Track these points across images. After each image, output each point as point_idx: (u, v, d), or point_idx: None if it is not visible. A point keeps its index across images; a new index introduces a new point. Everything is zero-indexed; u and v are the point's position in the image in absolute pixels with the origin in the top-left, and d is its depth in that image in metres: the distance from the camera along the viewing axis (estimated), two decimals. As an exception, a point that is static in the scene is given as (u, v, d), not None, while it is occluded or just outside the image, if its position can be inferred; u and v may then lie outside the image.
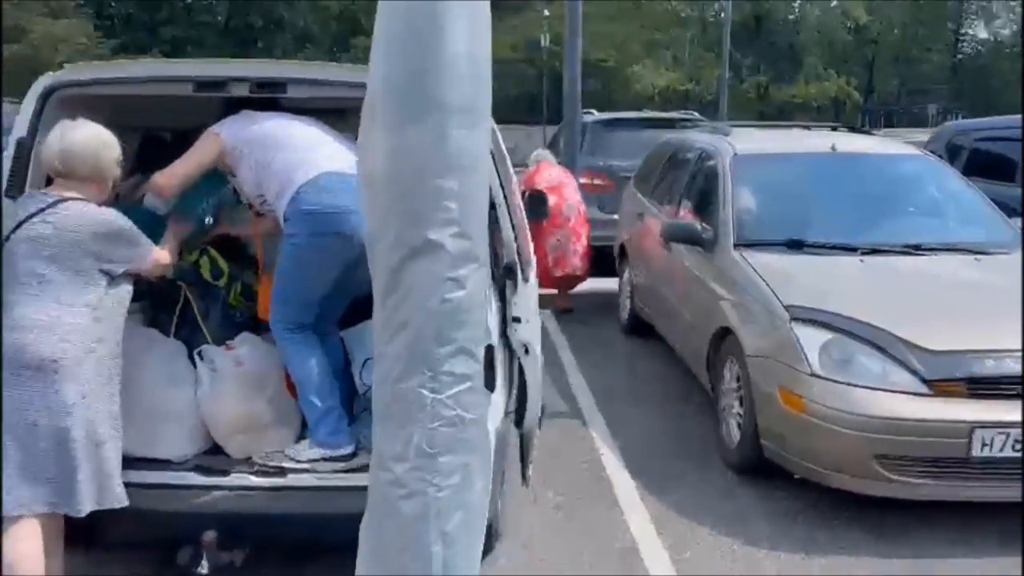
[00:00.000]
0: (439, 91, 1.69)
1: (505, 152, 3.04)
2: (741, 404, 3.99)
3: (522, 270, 3.10)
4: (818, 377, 3.48)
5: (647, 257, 6.00)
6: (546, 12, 38.07)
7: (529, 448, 3.34)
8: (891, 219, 4.59)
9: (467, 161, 1.74)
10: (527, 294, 3.09)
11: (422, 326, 1.67)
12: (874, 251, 4.22)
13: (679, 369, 5.32)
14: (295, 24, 48.01)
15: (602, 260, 7.25)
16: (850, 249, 4.24)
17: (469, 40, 1.74)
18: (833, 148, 4.97)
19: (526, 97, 38.93)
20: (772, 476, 3.85)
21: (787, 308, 3.74)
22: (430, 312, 1.67)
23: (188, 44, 46.32)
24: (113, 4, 46.30)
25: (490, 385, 1.96)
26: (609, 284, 7.31)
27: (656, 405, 5.06)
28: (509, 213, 2.94)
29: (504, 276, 3.06)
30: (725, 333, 4.20)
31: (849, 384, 3.42)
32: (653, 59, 38.59)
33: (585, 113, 10.41)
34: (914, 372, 3.38)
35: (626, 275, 6.70)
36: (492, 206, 2.90)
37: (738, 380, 4.03)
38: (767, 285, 3.96)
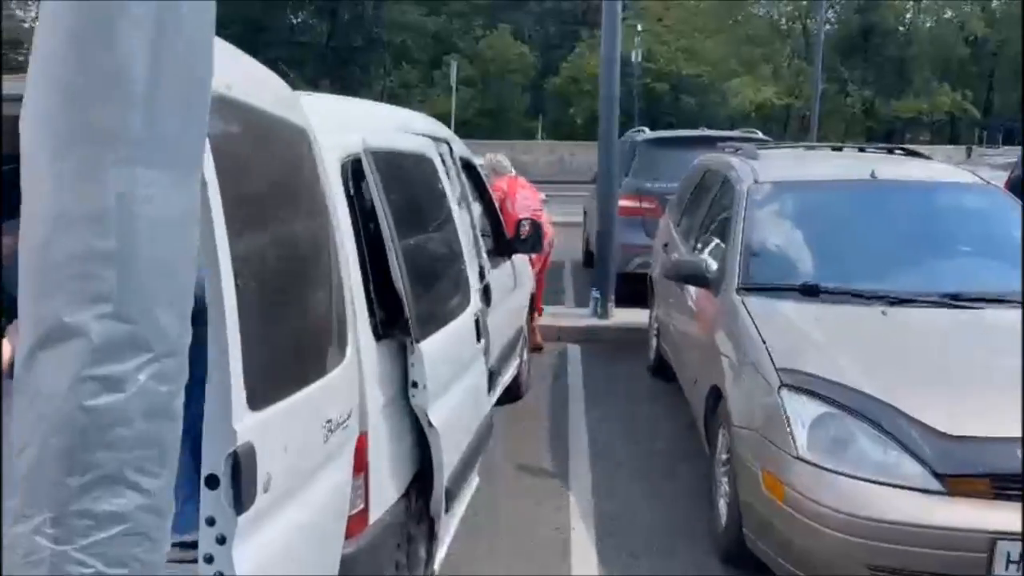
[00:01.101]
0: (91, 115, 1.23)
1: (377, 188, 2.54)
2: (730, 481, 3.36)
3: (422, 325, 2.60)
4: (804, 461, 2.82)
5: (666, 294, 5.38)
6: (639, 27, 37.37)
7: (435, 541, 2.82)
8: (931, 262, 3.84)
9: (148, 212, 1.27)
10: (431, 355, 2.59)
11: (44, 445, 1.20)
12: (902, 301, 3.50)
13: (693, 424, 4.67)
14: (392, 43, 48.87)
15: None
16: (874, 297, 3.53)
17: (151, 51, 1.26)
18: (872, 175, 4.24)
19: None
20: (762, 570, 3.19)
21: (779, 371, 3.09)
22: (56, 425, 1.20)
23: (290, 65, 47.87)
24: (221, 26, 48.15)
25: None
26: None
27: (657, 469, 4.42)
28: (397, 258, 2.44)
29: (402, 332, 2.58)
30: (719, 394, 3.57)
31: (841, 473, 2.75)
32: (751, 74, 37.20)
33: (636, 131, 9.81)
34: (924, 462, 2.68)
35: (654, 311, 6.08)
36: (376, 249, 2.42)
37: (728, 452, 3.40)
38: (762, 340, 3.31)
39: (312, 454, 1.89)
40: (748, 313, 3.55)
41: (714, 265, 4.13)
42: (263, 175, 1.89)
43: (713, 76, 38.39)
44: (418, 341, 2.47)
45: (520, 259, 5.11)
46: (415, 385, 2.53)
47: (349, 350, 2.17)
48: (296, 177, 2.01)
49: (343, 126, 2.47)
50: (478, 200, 4.78)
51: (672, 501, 4.02)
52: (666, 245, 5.75)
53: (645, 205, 8.14)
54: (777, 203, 4.23)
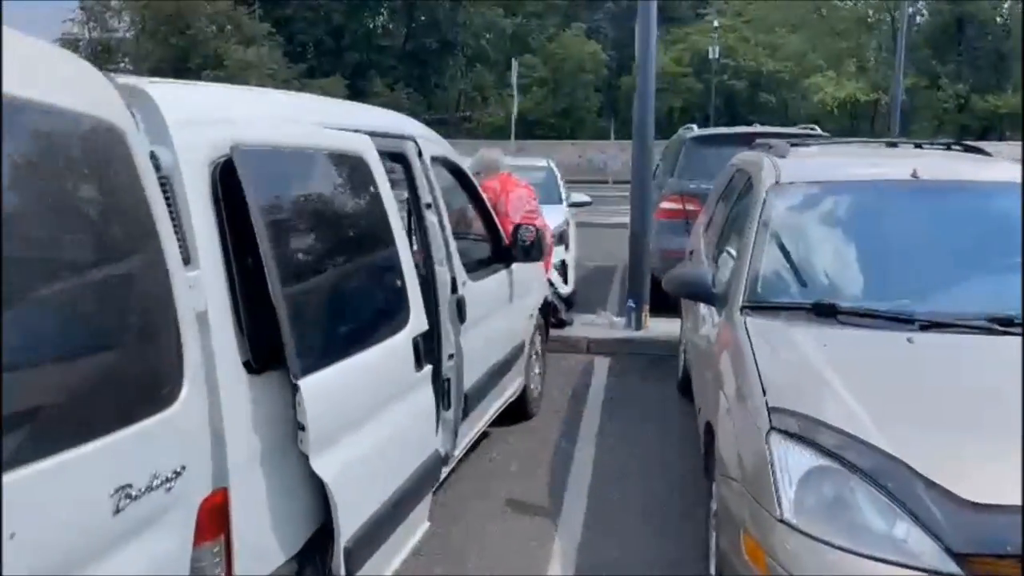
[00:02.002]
0: None
1: (253, 192, 2.14)
2: (717, 539, 2.85)
3: (317, 355, 2.19)
4: (789, 526, 2.28)
5: (688, 307, 4.85)
6: (715, 23, 36.23)
7: None
8: (976, 278, 3.22)
9: None
10: (328, 391, 2.19)
11: None
12: (937, 325, 2.91)
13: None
14: (467, 44, 48.87)
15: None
16: (903, 320, 2.95)
17: None
18: (914, 174, 3.62)
19: (691, 112, 37.09)
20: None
21: (770, 411, 2.56)
22: None
23: (369, 68, 48.38)
24: (302, 32, 49.10)
25: None
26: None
27: (660, 513, 3.90)
28: (274, 277, 2.04)
29: None
30: (712, 433, 3.06)
31: (832, 545, 2.20)
32: (835, 68, 35.57)
33: (686, 128, 9.20)
34: (938, 537, 2.12)
35: (684, 324, 5.54)
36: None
37: (717, 503, 2.89)
38: (758, 371, 2.78)
39: (86, 533, 1.50)
40: (748, 337, 3.02)
41: (725, 277, 3.60)
42: (43, 181, 1.51)
43: (795, 72, 36.88)
44: (301, 375, 2.06)
45: (524, 266, 4.65)
46: (302, 428, 2.13)
47: (188, 390, 1.77)
48: (99, 181, 1.63)
49: (212, 120, 2.08)
50: (471, 204, 4.36)
51: (670, 555, 3.50)
52: (691, 252, 5.21)
53: (689, 207, 7.55)
54: (799, 207, 3.66)
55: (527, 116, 43.08)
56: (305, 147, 2.40)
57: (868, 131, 34.36)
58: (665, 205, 7.91)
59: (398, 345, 2.65)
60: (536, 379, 5.21)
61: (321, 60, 49.11)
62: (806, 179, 3.79)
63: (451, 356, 3.53)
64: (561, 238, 8.09)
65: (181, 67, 44.55)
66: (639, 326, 6.85)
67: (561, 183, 9.30)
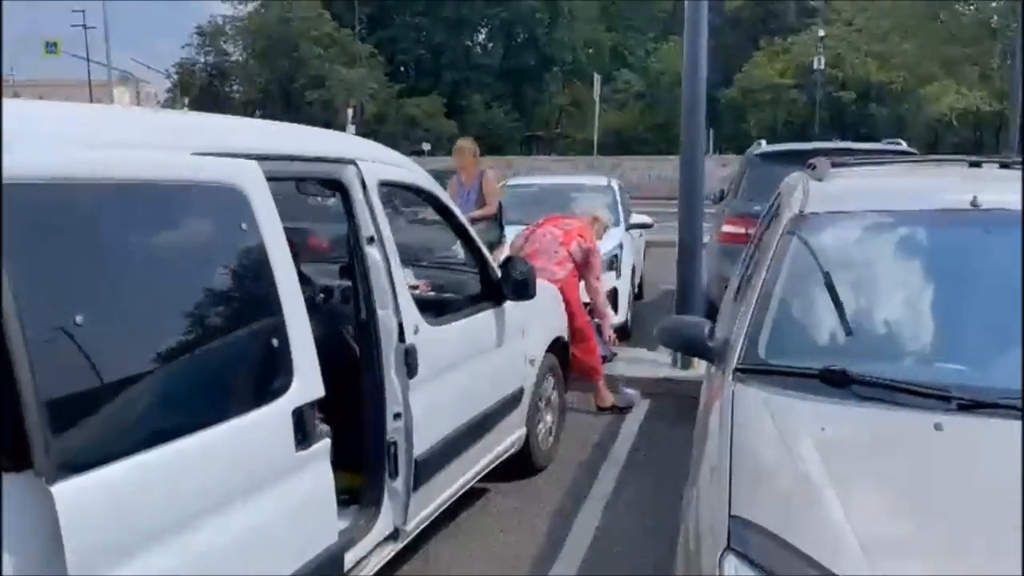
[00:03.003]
0: None
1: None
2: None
3: (96, 447, 1.72)
4: None
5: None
6: (821, 33, 34.51)
7: None
8: (1042, 340, 2.46)
9: None
10: (95, 496, 1.71)
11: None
12: (979, 405, 2.19)
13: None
14: (564, 60, 48.57)
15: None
16: (935, 396, 2.25)
17: None
18: (974, 203, 2.87)
19: (794, 124, 35.46)
20: None
21: (732, 520, 1.93)
22: None
23: (467, 86, 48.78)
24: (403, 52, 49.99)
25: None
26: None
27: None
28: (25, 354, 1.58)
29: None
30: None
31: None
32: (953, 77, 33.24)
33: (755, 144, 8.42)
34: None
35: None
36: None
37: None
38: (730, 461, 2.16)
39: None
40: (731, 411, 2.38)
41: (731, 327, 2.96)
42: None
43: (908, 82, 34.68)
44: (56, 479, 1.59)
45: (528, 303, 4.09)
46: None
47: None
48: None
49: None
50: (455, 236, 3.85)
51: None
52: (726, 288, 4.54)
53: (751, 231, 6.82)
54: (823, 243, 2.97)
55: (623, 132, 42.35)
56: (124, 180, 1.93)
57: (993, 144, 31.88)
58: (726, 228, 7.20)
59: (265, 420, 2.16)
60: (547, 428, 4.63)
61: (420, 79, 49.89)
62: (836, 208, 3.09)
63: (397, 416, 3.03)
64: (612, 264, 7.49)
65: (287, 88, 46.16)
66: (686, 364, 6.16)
67: (621, 204, 8.67)
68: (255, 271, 2.24)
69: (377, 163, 3.12)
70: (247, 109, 48.41)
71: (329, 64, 44.12)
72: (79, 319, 1.68)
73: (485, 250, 3.91)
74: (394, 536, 3.13)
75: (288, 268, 2.34)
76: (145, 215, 2.01)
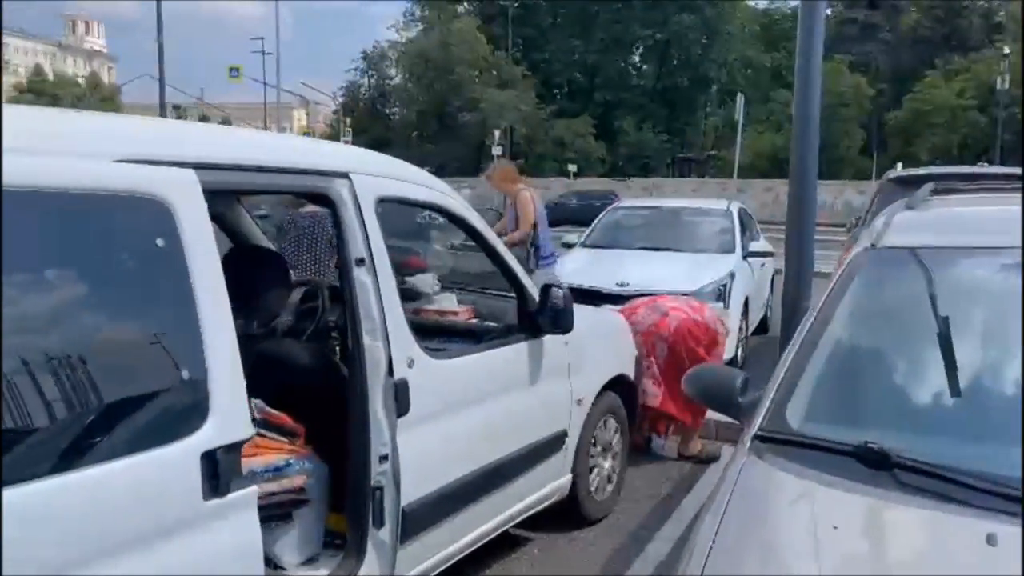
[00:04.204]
0: None
1: None
2: None
3: None
4: None
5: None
6: (1006, 50, 31.53)
7: None
8: None
9: None
10: None
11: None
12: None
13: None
14: (720, 81, 47.25)
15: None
16: (995, 492, 1.68)
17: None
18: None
19: (971, 147, 32.52)
20: None
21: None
22: None
23: (618, 107, 48.41)
24: (557, 73, 50.29)
25: None
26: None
27: None
28: None
29: None
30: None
31: None
32: None
33: (892, 169, 7.54)
34: None
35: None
36: None
37: None
38: (705, 561, 1.69)
39: None
40: (730, 490, 1.90)
41: (770, 386, 2.45)
42: None
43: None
44: None
45: (576, 335, 3.68)
46: None
47: None
48: None
49: None
50: (489, 259, 3.50)
51: None
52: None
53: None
54: (891, 285, 2.41)
55: (779, 153, 40.44)
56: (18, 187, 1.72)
57: None
58: (846, 257, 6.44)
59: (163, 461, 1.88)
60: (603, 476, 4.17)
61: (572, 100, 49.98)
62: (916, 243, 2.48)
63: (383, 458, 2.70)
64: (719, 294, 6.89)
65: (442, 110, 47.49)
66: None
67: (738, 231, 7.99)
68: (169, 292, 1.99)
69: (378, 177, 2.83)
70: (405, 130, 50.31)
71: (483, 87, 45.01)
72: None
73: (523, 276, 3.53)
74: (382, 594, 2.79)
75: (216, 291, 2.07)
76: (42, 224, 1.81)
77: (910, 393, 2.07)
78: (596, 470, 4.12)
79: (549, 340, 3.55)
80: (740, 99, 25.71)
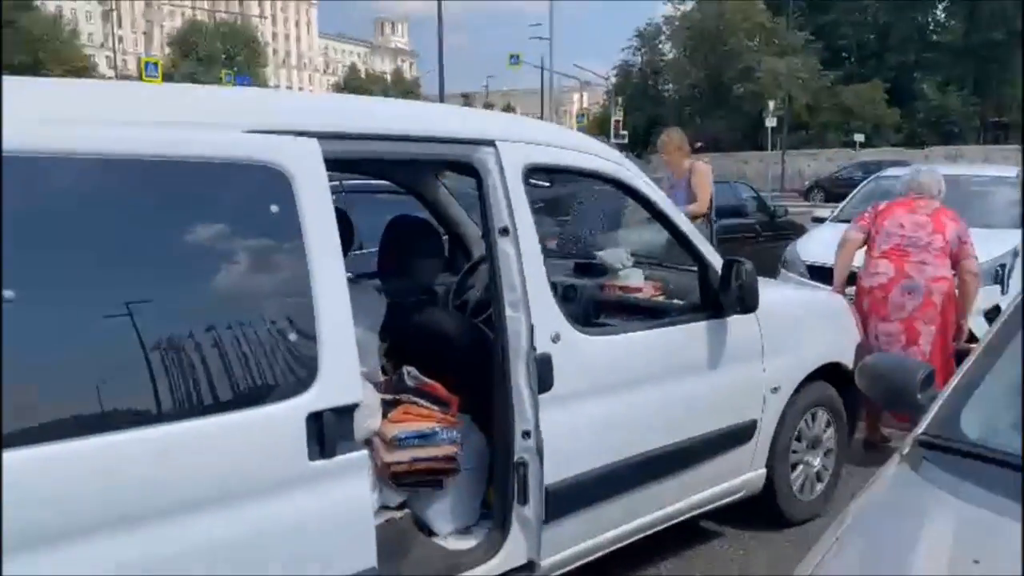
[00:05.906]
0: None
1: None
2: None
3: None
4: None
5: None
6: None
7: None
8: None
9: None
10: None
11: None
12: None
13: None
14: (1046, 33, 40.60)
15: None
16: None
17: None
18: None
19: None
20: None
21: None
22: None
23: (914, 69, 43.63)
24: (844, 36, 46.38)
25: None
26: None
27: None
28: None
29: None
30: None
31: None
32: None
33: None
34: None
35: None
36: None
37: None
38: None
39: None
40: (866, 503, 1.58)
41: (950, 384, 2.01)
42: None
43: None
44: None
45: (774, 317, 3.33)
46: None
47: None
48: None
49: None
50: (668, 232, 3.25)
51: None
52: None
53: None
54: None
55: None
56: (135, 156, 1.86)
57: None
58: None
59: (267, 420, 1.94)
60: (809, 475, 3.74)
61: (860, 64, 45.84)
62: None
63: (526, 434, 2.61)
64: (997, 275, 5.94)
65: (716, 82, 45.78)
66: None
67: (1027, 200, 6.80)
68: (283, 257, 2.05)
69: (529, 144, 2.72)
70: (679, 106, 49.24)
71: (760, 55, 42.71)
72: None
73: (706, 251, 3.24)
74: (529, 567, 2.72)
75: (331, 257, 2.10)
76: (161, 193, 1.95)
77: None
78: (802, 467, 3.71)
79: (735, 320, 3.23)
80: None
